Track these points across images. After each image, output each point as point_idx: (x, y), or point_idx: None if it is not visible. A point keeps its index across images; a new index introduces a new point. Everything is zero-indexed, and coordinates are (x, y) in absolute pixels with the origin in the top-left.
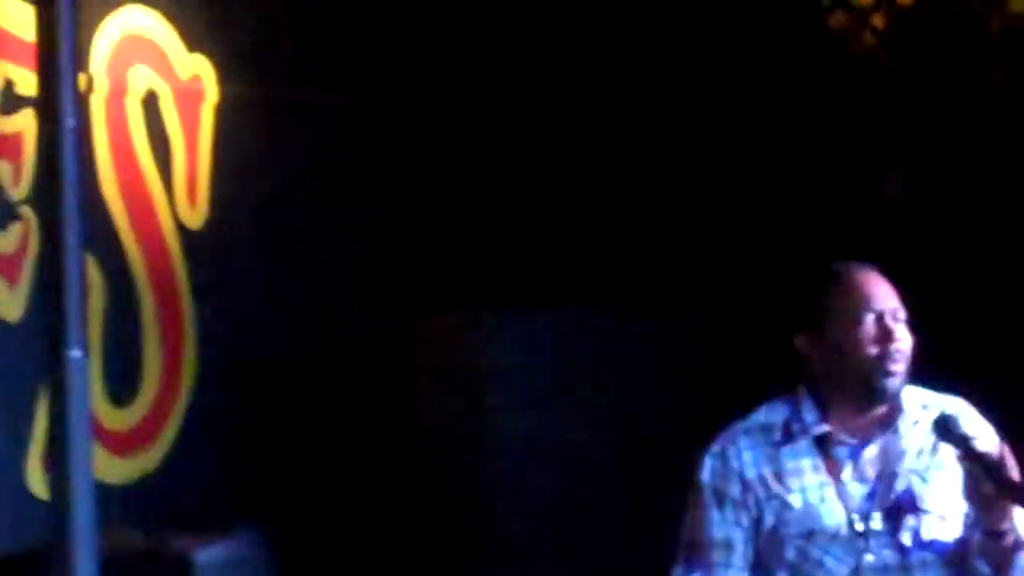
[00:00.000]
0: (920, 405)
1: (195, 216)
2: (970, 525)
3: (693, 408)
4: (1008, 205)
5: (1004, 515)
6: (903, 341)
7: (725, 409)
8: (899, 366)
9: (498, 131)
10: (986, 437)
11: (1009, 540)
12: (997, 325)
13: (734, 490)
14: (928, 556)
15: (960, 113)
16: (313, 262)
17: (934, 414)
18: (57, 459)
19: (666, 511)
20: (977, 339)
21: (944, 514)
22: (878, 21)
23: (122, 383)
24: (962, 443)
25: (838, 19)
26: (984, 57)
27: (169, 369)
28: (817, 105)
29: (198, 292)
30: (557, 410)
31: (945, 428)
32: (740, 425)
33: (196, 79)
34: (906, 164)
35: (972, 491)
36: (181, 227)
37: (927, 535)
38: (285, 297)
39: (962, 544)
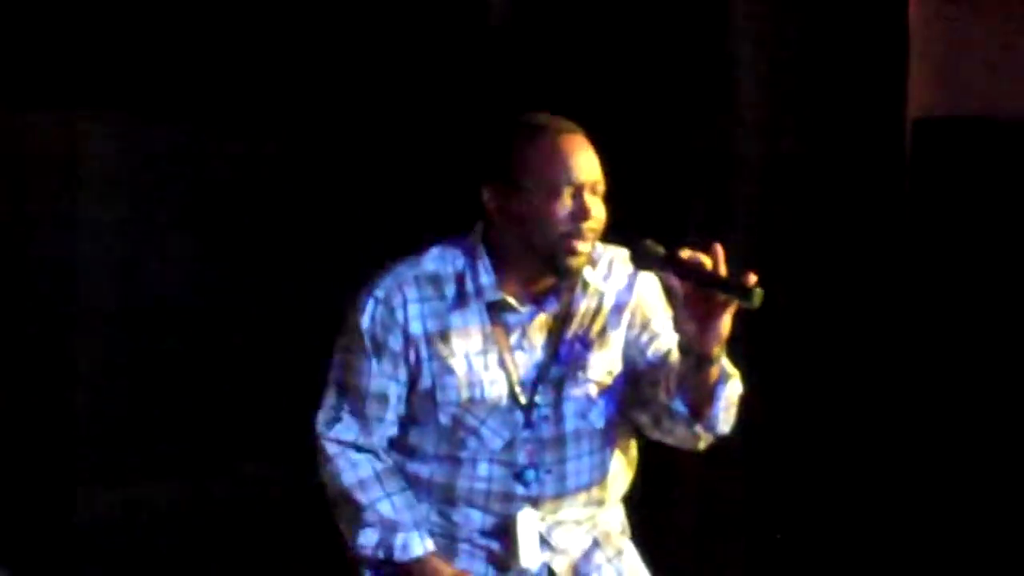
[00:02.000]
0: (588, 266)
1: None
2: (658, 370)
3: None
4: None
5: (716, 335)
6: (597, 219)
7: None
8: (588, 245)
9: None
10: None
11: (716, 371)
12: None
13: (395, 342)
14: (583, 427)
15: None
16: None
17: (602, 273)
18: None
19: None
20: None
21: (605, 382)
22: None
23: None
24: (666, 259)
25: None
26: None
27: None
28: None
29: None
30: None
31: (642, 254)
32: (408, 270)
33: None
34: None
35: (683, 312)
36: None
37: (587, 405)
38: None
39: (621, 403)
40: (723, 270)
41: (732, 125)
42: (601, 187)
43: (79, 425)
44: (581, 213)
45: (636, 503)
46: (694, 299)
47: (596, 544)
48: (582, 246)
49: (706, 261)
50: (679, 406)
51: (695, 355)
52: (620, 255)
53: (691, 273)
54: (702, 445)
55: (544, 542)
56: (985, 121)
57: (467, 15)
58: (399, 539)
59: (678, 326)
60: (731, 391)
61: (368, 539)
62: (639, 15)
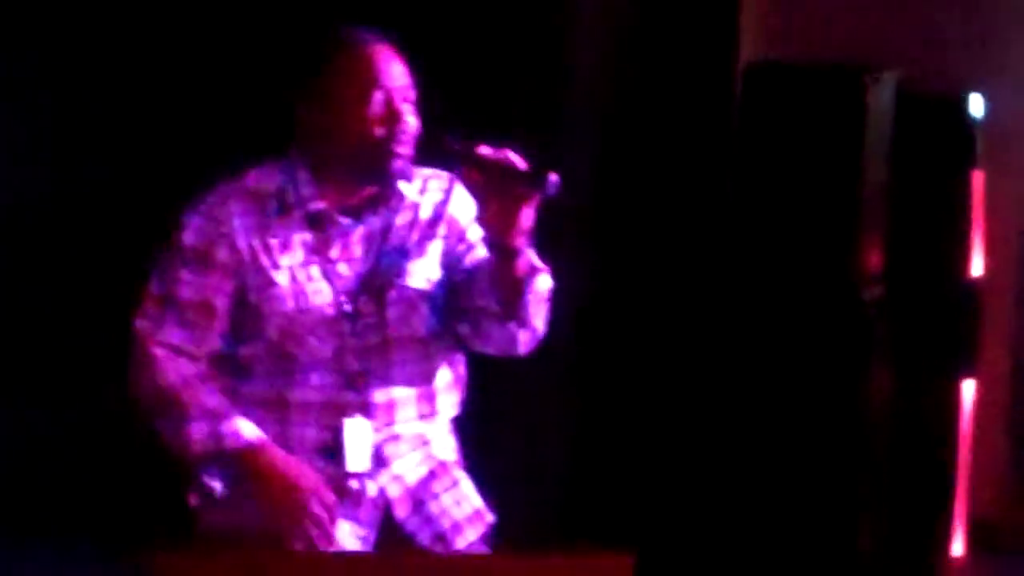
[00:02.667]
0: (403, 181)
1: None
2: (474, 277)
3: None
4: None
5: (518, 227)
6: (410, 124)
7: None
8: (404, 148)
9: None
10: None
11: (523, 264)
12: None
13: (222, 254)
14: (407, 333)
15: None
16: None
17: (417, 187)
18: None
19: None
20: None
21: (425, 289)
22: None
23: None
24: (466, 153)
25: None
26: None
27: None
28: None
29: None
30: None
31: (444, 149)
32: (229, 187)
33: None
34: None
35: (484, 204)
36: None
37: (408, 312)
38: None
39: (443, 313)
40: (519, 163)
41: (564, 71)
42: (412, 94)
43: None
44: (392, 117)
45: (467, 430)
46: (495, 191)
47: (432, 475)
48: (399, 148)
49: (504, 156)
50: (492, 304)
51: (501, 249)
52: (435, 174)
53: (490, 166)
54: (521, 348)
55: (379, 459)
56: (809, 67)
57: None
58: (228, 426)
59: (482, 220)
60: (540, 285)
61: (197, 432)
62: None
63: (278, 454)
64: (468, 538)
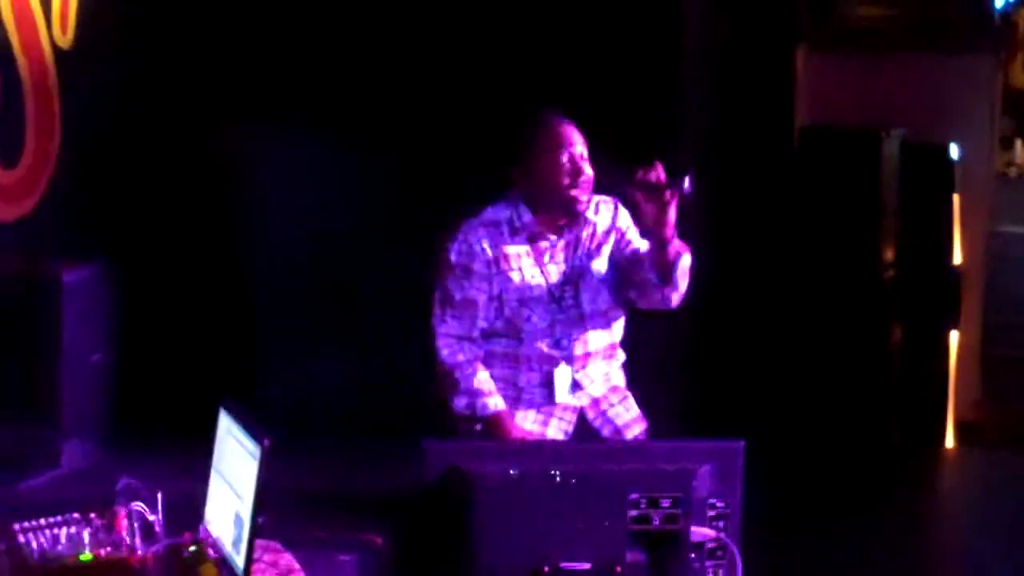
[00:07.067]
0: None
1: (65, 39)
2: (636, 260)
3: None
4: None
5: (667, 222)
6: (589, 175)
7: None
8: (584, 192)
9: None
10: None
11: (672, 249)
12: None
13: (479, 266)
14: (595, 308)
15: None
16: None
17: (592, 211)
18: None
19: None
20: None
21: (604, 276)
22: None
23: (11, 153)
24: (636, 180)
25: None
26: None
27: (42, 146)
28: None
29: (65, 94)
30: None
31: (642, 183)
32: (476, 220)
33: None
34: None
35: (645, 212)
36: (55, 47)
37: (595, 294)
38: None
39: (617, 295)
40: (663, 178)
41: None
42: (586, 152)
43: None
44: (575, 171)
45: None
46: (652, 200)
47: (611, 393)
48: (581, 193)
49: (656, 175)
50: (652, 277)
51: (658, 240)
52: (603, 199)
53: (648, 186)
54: (673, 304)
55: (576, 386)
56: (842, 128)
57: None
58: (482, 402)
59: (643, 223)
60: (685, 261)
61: (459, 403)
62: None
63: (510, 422)
64: (635, 432)
